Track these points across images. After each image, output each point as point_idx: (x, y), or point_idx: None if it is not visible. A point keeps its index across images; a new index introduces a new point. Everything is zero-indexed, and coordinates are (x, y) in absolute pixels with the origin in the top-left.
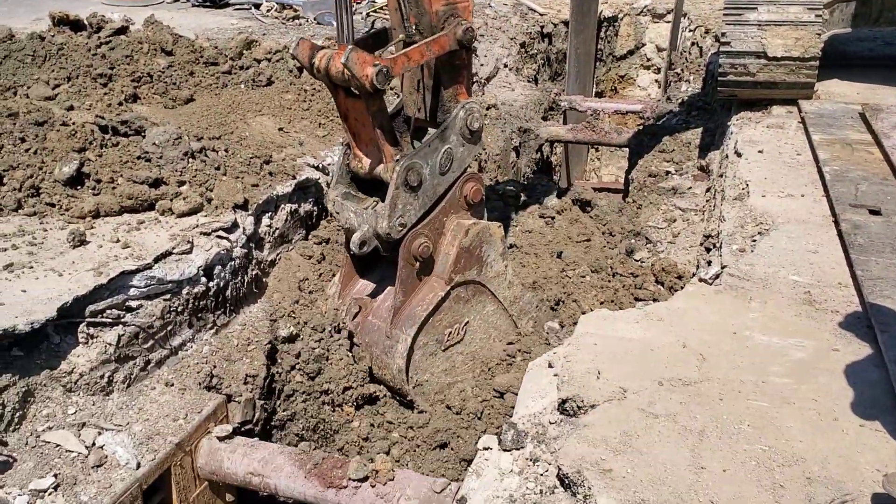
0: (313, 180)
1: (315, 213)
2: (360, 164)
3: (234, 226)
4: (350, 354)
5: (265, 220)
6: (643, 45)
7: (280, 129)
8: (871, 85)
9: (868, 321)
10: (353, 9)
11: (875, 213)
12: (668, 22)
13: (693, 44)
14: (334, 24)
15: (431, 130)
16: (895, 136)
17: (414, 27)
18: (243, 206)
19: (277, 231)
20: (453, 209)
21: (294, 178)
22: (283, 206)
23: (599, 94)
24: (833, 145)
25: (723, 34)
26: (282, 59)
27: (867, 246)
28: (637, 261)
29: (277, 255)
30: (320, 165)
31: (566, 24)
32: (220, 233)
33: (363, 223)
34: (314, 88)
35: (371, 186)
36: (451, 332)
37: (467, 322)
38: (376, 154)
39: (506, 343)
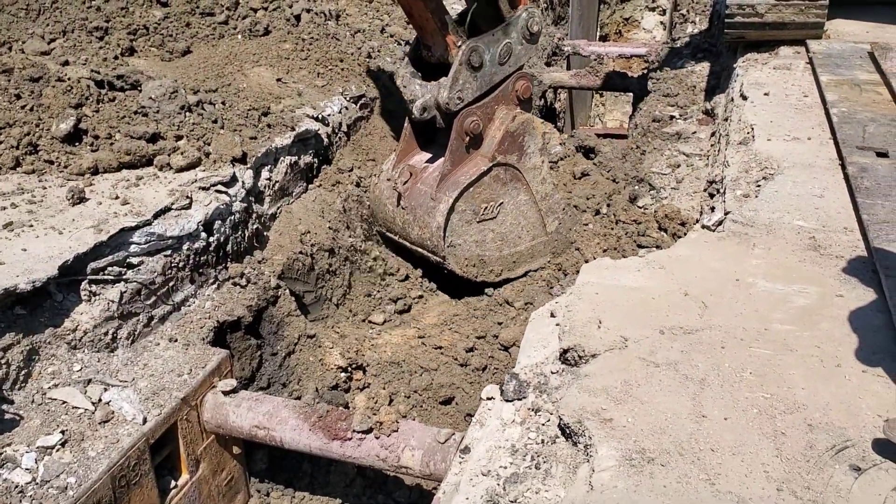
0: (313, 131)
1: (315, 164)
2: (428, 53)
3: (233, 180)
4: None
5: (264, 174)
6: None
7: (278, 80)
8: (881, 24)
9: (873, 266)
10: None
11: (882, 155)
12: None
13: None
14: None
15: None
16: None
17: None
18: (242, 160)
19: (277, 184)
20: (505, 100)
21: (293, 129)
22: (282, 158)
23: (604, 38)
24: (841, 86)
25: None
26: (279, 8)
27: (873, 189)
28: (640, 207)
29: (278, 208)
30: (319, 116)
31: None
32: (219, 187)
33: (427, 93)
34: (312, 37)
35: (435, 75)
36: (486, 207)
37: (501, 203)
38: (442, 43)
39: (532, 237)
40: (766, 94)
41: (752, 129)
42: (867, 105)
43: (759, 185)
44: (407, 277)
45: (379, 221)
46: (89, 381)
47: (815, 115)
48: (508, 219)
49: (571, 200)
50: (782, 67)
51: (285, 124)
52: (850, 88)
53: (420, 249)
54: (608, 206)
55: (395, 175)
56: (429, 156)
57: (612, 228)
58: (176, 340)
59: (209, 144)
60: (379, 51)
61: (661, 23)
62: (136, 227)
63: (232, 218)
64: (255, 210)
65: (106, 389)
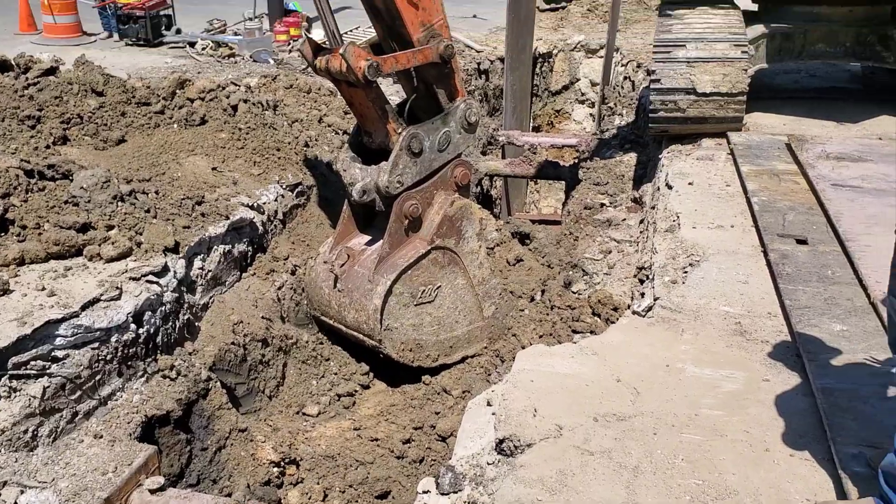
0: (247, 220)
1: (249, 253)
2: (369, 139)
3: (165, 270)
4: None
5: (197, 263)
6: (577, 80)
7: (214, 169)
8: (797, 117)
9: (797, 350)
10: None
11: (802, 242)
12: (601, 57)
13: (625, 78)
14: (270, 61)
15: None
16: (819, 166)
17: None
18: (174, 249)
19: (210, 273)
20: (444, 186)
21: (227, 218)
22: (216, 247)
23: (536, 129)
24: (761, 176)
25: (652, 71)
26: (216, 98)
27: (795, 275)
28: (575, 293)
29: (210, 298)
30: (255, 204)
31: (502, 60)
32: (150, 277)
33: (367, 177)
34: (249, 127)
35: (375, 160)
36: (424, 290)
37: (439, 287)
38: (382, 130)
39: (469, 321)
40: (690, 184)
41: (678, 216)
42: (786, 194)
43: (685, 272)
44: (342, 366)
45: (314, 305)
46: (4, 483)
47: (738, 204)
48: (446, 303)
49: (508, 286)
50: (705, 158)
51: (220, 213)
52: (770, 178)
53: (356, 333)
54: (543, 291)
55: (332, 257)
56: (367, 238)
57: (548, 314)
58: (101, 437)
59: (141, 234)
60: (316, 140)
61: (591, 115)
62: (63, 320)
63: (163, 309)
64: (187, 300)
65: (22, 492)
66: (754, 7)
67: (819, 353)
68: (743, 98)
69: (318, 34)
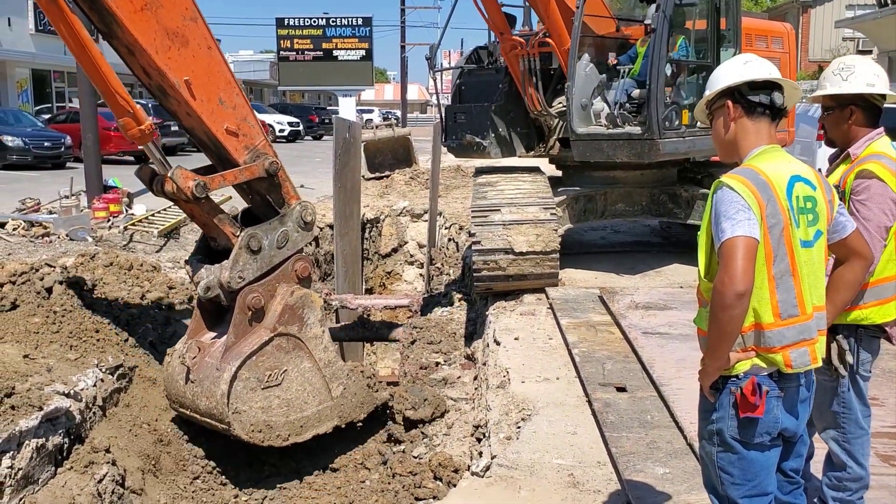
0: (63, 409)
1: (66, 445)
2: (215, 243)
3: None
4: None
5: (5, 462)
6: (405, 242)
7: (25, 356)
8: (606, 271)
9: (627, 497)
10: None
11: (622, 389)
12: (426, 221)
13: (450, 239)
14: (88, 238)
15: None
16: (630, 316)
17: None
18: None
19: (21, 472)
20: (285, 279)
21: (41, 409)
22: (27, 442)
23: (369, 291)
24: (579, 328)
25: (473, 234)
26: (28, 281)
27: (618, 422)
28: (415, 457)
29: (21, 500)
30: (71, 392)
31: (331, 227)
32: None
33: (210, 274)
34: (65, 309)
35: (221, 260)
36: (271, 374)
37: (286, 370)
38: (223, 234)
39: (318, 402)
40: (516, 339)
41: (508, 372)
42: (603, 344)
43: (519, 427)
44: None
45: (172, 399)
46: None
47: (560, 356)
48: (294, 385)
49: None
50: (528, 313)
51: (32, 404)
52: (587, 329)
53: (209, 420)
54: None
55: (184, 351)
56: (218, 332)
57: (390, 483)
58: None
59: None
60: (139, 317)
61: (421, 275)
62: None
63: None
64: None
65: None
66: (559, 173)
67: (647, 497)
68: (556, 255)
69: (139, 209)
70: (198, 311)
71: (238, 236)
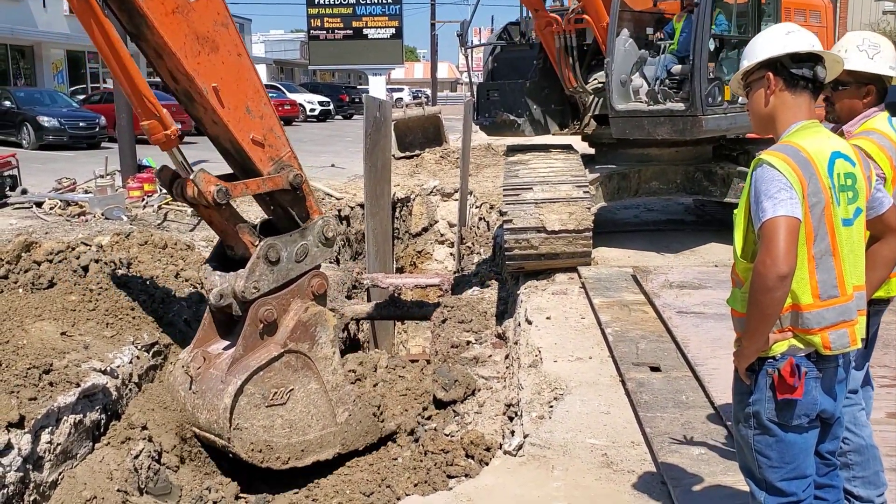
0: (100, 385)
1: (103, 421)
2: (232, 252)
3: (8, 448)
4: None
5: (45, 437)
6: (436, 221)
7: (63, 334)
8: (639, 250)
9: (661, 478)
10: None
11: (655, 369)
12: (456, 200)
13: (480, 218)
14: (123, 217)
15: None
16: (664, 295)
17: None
18: (19, 424)
19: (59, 447)
20: (300, 294)
21: (78, 385)
22: (65, 418)
23: (400, 270)
24: (612, 307)
25: (504, 213)
26: (65, 260)
27: (652, 402)
28: (447, 435)
29: (60, 474)
30: (108, 369)
31: (362, 206)
32: None
33: (224, 283)
34: (101, 287)
35: (238, 269)
36: (276, 392)
37: (292, 390)
38: (241, 243)
39: (322, 426)
40: (548, 318)
41: (540, 351)
42: (636, 323)
43: (551, 406)
44: None
45: (173, 409)
46: None
47: (593, 335)
48: (298, 406)
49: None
50: (560, 293)
51: (70, 380)
52: (620, 309)
53: (207, 434)
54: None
55: (189, 360)
56: (226, 343)
57: (422, 460)
58: None
59: None
60: (174, 295)
61: (451, 254)
62: None
63: (4, 492)
64: (33, 479)
65: None
66: (591, 151)
67: (682, 478)
68: (589, 234)
69: None
70: (207, 319)
71: (257, 245)
